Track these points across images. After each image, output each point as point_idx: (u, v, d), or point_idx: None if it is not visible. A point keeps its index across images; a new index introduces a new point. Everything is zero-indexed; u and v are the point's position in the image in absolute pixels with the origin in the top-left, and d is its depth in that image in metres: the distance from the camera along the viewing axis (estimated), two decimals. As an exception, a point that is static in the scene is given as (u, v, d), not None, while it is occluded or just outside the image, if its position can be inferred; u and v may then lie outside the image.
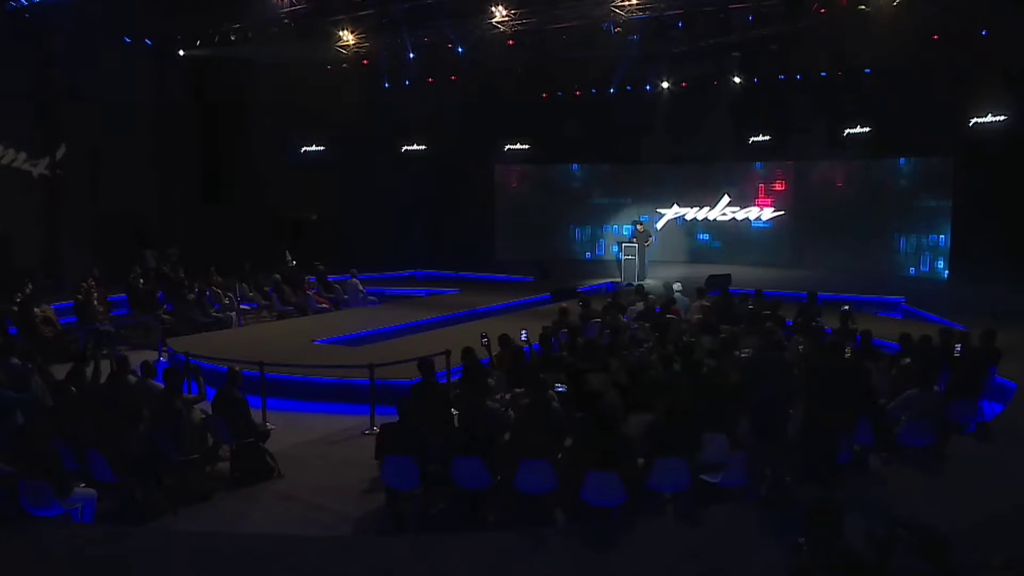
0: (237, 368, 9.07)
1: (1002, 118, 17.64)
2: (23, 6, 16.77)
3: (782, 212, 22.22)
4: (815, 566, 4.16)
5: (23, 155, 17.83)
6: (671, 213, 23.41)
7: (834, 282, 17.62)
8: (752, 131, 21.63)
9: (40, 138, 18.37)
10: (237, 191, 21.50)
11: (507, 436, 7.83)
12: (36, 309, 14.09)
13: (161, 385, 8.92)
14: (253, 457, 8.56)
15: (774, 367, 8.84)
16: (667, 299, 13.97)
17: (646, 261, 19.54)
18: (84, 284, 15.01)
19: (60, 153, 18.51)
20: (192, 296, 16.10)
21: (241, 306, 16.66)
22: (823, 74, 20.09)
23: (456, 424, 8.14)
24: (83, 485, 7.46)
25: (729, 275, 16.93)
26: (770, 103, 21.03)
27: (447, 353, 10.47)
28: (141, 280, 16.25)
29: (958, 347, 9.89)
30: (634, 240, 19.68)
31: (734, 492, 7.19)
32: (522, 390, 8.86)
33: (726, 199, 22.76)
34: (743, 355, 10.30)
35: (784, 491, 6.99)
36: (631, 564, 6.13)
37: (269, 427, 9.27)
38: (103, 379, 9.70)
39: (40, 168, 18.03)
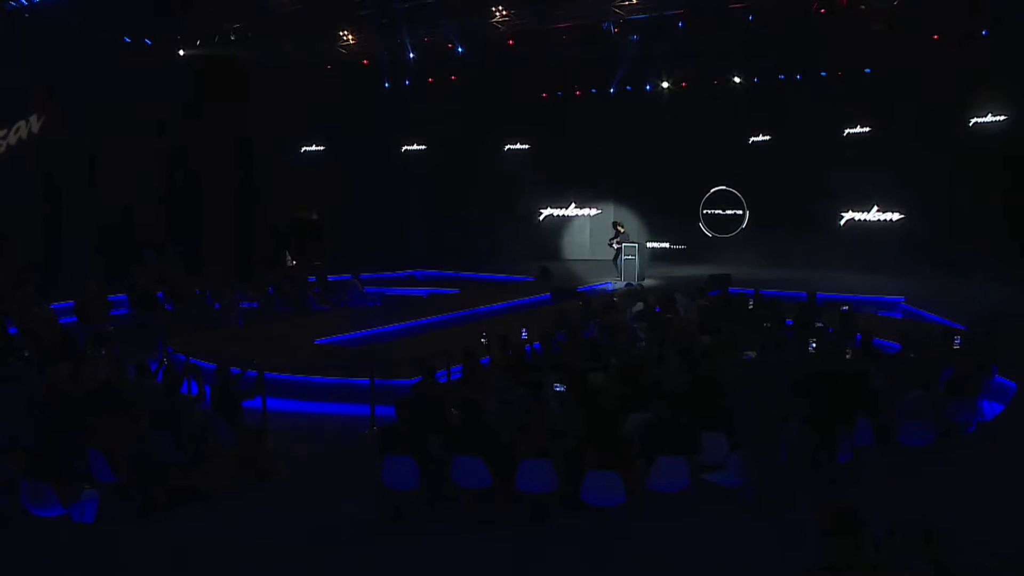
0: (236, 368, 9.07)
1: (1002, 118, 17.65)
2: (23, 6, 16.76)
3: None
4: (818, 567, 4.16)
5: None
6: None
7: (834, 282, 17.61)
8: (752, 131, 21.64)
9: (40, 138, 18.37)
10: (237, 191, 21.50)
11: (507, 436, 7.82)
12: (36, 309, 14.09)
13: (160, 384, 8.92)
14: (253, 457, 8.56)
15: (765, 370, 8.84)
16: (667, 299, 13.97)
17: (646, 261, 19.50)
18: (84, 284, 15.01)
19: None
20: (192, 296, 16.09)
21: (241, 306, 16.66)
22: (823, 74, 20.10)
23: (456, 424, 8.13)
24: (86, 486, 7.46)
25: (729, 275, 16.92)
26: (770, 103, 21.03)
27: (447, 353, 10.47)
28: (141, 280, 16.24)
29: (957, 339, 9.92)
30: (618, 241, 19.45)
31: (734, 492, 7.19)
32: (522, 390, 8.85)
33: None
34: (744, 355, 10.31)
35: (784, 491, 6.98)
36: (631, 564, 6.13)
37: (269, 427, 9.26)
38: (103, 379, 9.68)
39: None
